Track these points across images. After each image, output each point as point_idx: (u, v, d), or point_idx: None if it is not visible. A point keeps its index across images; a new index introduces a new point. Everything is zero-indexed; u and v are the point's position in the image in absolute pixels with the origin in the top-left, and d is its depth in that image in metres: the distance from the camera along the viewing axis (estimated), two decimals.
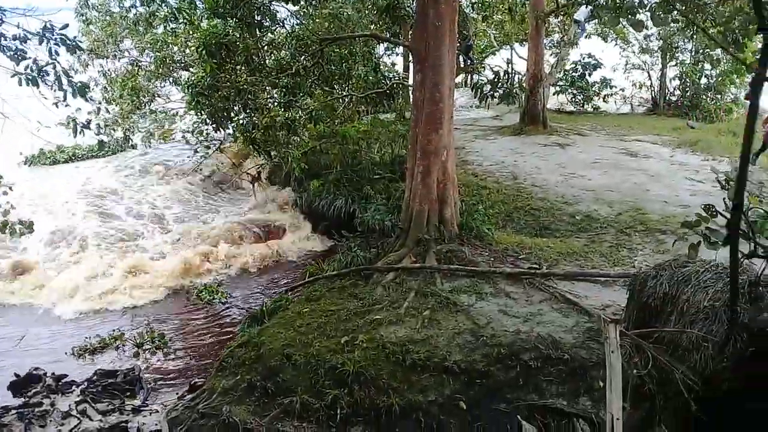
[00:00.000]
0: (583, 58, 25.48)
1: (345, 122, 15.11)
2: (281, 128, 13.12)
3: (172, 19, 15.28)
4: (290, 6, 13.33)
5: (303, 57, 13.06)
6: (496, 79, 13.80)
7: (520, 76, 20.85)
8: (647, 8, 6.23)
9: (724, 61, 22.60)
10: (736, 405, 5.66)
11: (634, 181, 14.04)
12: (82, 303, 12.05)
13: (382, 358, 7.02)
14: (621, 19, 6.43)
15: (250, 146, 15.03)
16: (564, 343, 7.12)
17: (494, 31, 24.80)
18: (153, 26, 17.84)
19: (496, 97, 13.74)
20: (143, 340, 10.26)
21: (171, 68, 19.44)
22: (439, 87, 10.19)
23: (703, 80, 24.49)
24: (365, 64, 14.67)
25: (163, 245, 15.07)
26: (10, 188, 9.10)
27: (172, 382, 9.12)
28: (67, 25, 8.34)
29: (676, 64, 25.36)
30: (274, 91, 13.84)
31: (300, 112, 13.10)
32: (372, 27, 15.82)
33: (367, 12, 15.40)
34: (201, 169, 19.63)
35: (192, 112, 15.09)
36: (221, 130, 14.81)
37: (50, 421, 7.93)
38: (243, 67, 13.11)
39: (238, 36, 12.53)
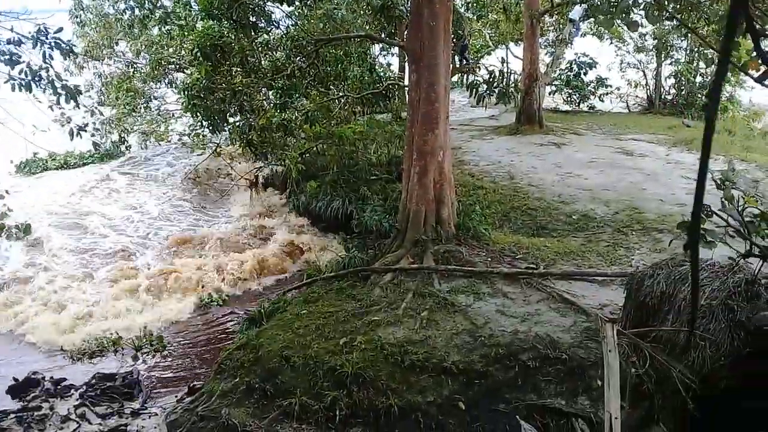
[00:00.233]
0: (579, 57, 25.50)
1: (341, 123, 15.10)
2: (277, 130, 13.15)
3: (167, 21, 15.29)
4: (285, 7, 13.31)
5: (298, 58, 13.08)
6: (491, 79, 13.84)
7: (516, 76, 21.00)
8: (642, 7, 6.25)
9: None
10: (734, 403, 5.69)
11: (630, 180, 14.07)
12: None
13: (381, 359, 7.03)
14: (615, 20, 6.45)
15: (247, 148, 15.05)
16: (562, 343, 7.13)
17: (489, 31, 24.86)
18: (148, 28, 17.83)
19: (492, 97, 13.79)
20: (142, 344, 10.23)
21: (166, 70, 19.44)
22: (435, 87, 10.20)
23: (698, 79, 24.54)
24: (360, 65, 14.70)
25: (156, 260, 14.04)
26: (7, 191, 9.08)
27: (171, 385, 9.10)
28: (61, 29, 8.36)
29: (671, 63, 25.41)
30: (270, 92, 13.87)
31: (296, 114, 13.12)
32: (367, 27, 15.83)
33: (361, 12, 15.41)
34: (197, 173, 19.55)
35: (188, 114, 15.10)
36: (217, 132, 14.78)
37: (49, 425, 7.92)
38: (238, 69, 13.12)
39: (233, 37, 12.54)
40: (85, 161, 21.41)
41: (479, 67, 21.76)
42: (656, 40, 24.76)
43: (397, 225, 10.67)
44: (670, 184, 13.57)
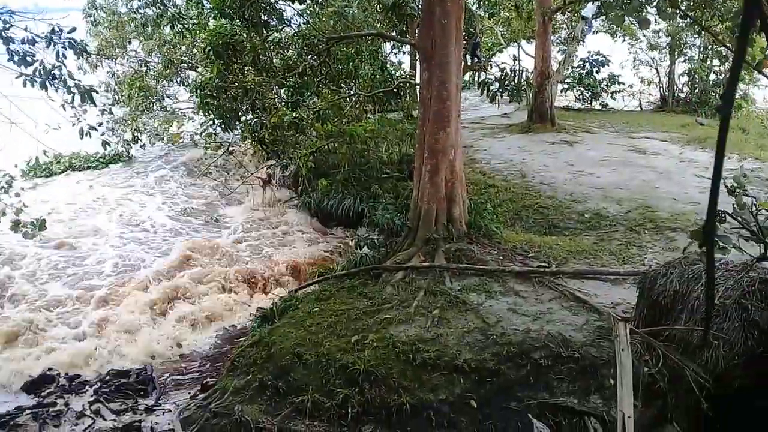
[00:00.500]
0: (591, 55, 25.40)
1: (352, 121, 15.13)
2: (289, 128, 13.17)
3: (179, 20, 15.38)
4: (296, 5, 13.35)
5: (310, 56, 13.10)
6: (503, 77, 13.82)
7: (528, 74, 20.90)
8: (654, 4, 6.21)
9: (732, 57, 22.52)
10: (747, 403, 5.66)
11: (643, 178, 13.99)
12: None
13: (393, 357, 7.04)
14: (627, 17, 6.41)
15: (259, 146, 15.10)
16: (574, 342, 7.11)
17: (501, 29, 24.75)
18: (160, 27, 17.93)
19: (503, 95, 13.76)
20: None
21: (178, 69, 19.55)
22: (446, 85, 10.19)
23: (712, 76, 24.38)
24: (372, 63, 14.72)
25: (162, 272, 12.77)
26: (22, 189, 9.18)
27: (184, 381, 9.17)
28: (74, 29, 8.44)
29: (684, 61, 25.25)
30: (282, 90, 13.89)
31: (307, 112, 13.15)
32: (378, 26, 15.82)
33: (373, 11, 15.41)
34: (209, 173, 19.59)
35: (200, 112, 15.17)
36: (230, 130, 14.85)
37: (64, 420, 8.01)
38: (250, 67, 13.18)
39: (244, 36, 12.59)
40: (89, 164, 20.65)
41: (491, 65, 21.69)
42: (669, 38, 24.60)
43: (409, 223, 10.67)
44: (683, 183, 13.49)
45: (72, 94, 8.38)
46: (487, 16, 23.55)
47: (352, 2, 14.07)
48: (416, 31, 14.97)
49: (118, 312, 10.92)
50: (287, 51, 13.77)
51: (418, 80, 13.49)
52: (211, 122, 14.25)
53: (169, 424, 7.29)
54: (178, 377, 9.35)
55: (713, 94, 24.19)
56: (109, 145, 11.35)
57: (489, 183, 13.93)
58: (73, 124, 9.27)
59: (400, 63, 22.09)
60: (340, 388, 6.66)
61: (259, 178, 18.10)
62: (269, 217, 16.25)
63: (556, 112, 20.60)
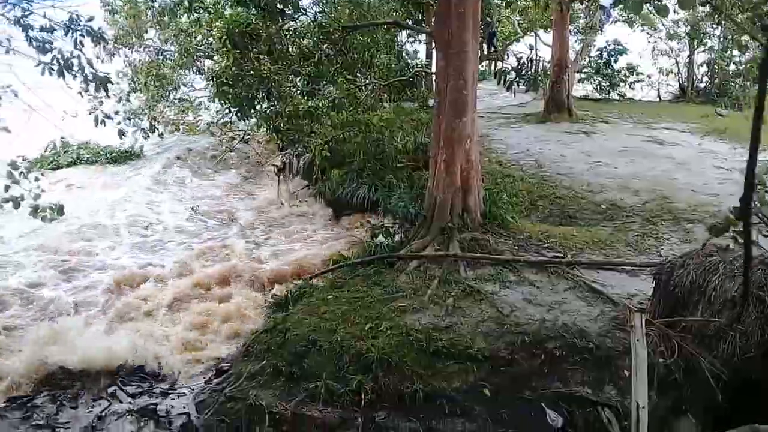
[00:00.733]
0: (609, 45, 25.13)
1: (368, 111, 15.08)
2: (304, 117, 13.17)
3: (195, 8, 15.40)
4: None
5: (325, 45, 13.09)
6: (520, 66, 13.73)
7: (545, 63, 20.75)
8: None
9: (753, 47, 22.14)
10: (763, 394, 5.60)
11: (661, 169, 13.86)
12: None
13: (406, 345, 7.06)
14: (645, 5, 6.31)
15: (274, 135, 15.11)
16: (589, 332, 7.09)
17: (518, 18, 24.54)
18: (177, 16, 17.96)
19: (520, 85, 13.67)
20: None
21: (194, 57, 19.58)
22: (463, 74, 10.12)
23: (732, 67, 24.04)
24: (388, 52, 14.70)
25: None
26: (42, 174, 9.28)
27: (199, 367, 9.22)
28: (92, 18, 8.50)
29: (704, 51, 24.92)
30: (297, 79, 13.88)
31: (323, 101, 13.14)
32: (394, 14, 15.77)
33: None
34: (225, 161, 19.64)
35: (216, 101, 15.20)
36: (245, 119, 14.88)
37: (81, 403, 8.10)
38: (266, 56, 13.17)
39: (260, 24, 12.57)
40: (97, 157, 20.19)
41: (508, 55, 21.55)
42: (689, 27, 24.25)
43: (423, 212, 10.65)
44: (702, 174, 13.35)
45: (89, 83, 8.45)
46: (503, 4, 23.36)
47: None
48: (432, 20, 14.92)
49: (132, 304, 10.62)
50: (303, 39, 13.76)
51: (434, 69, 13.44)
52: (227, 111, 14.27)
53: (184, 407, 7.34)
54: (193, 363, 9.39)
55: (733, 84, 23.84)
56: (125, 134, 11.35)
57: (505, 173, 13.86)
58: (90, 112, 9.35)
59: (416, 52, 22.05)
60: (354, 374, 6.68)
61: (274, 166, 18.15)
62: (284, 209, 16.23)
63: (573, 102, 20.43)
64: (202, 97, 20.53)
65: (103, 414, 7.61)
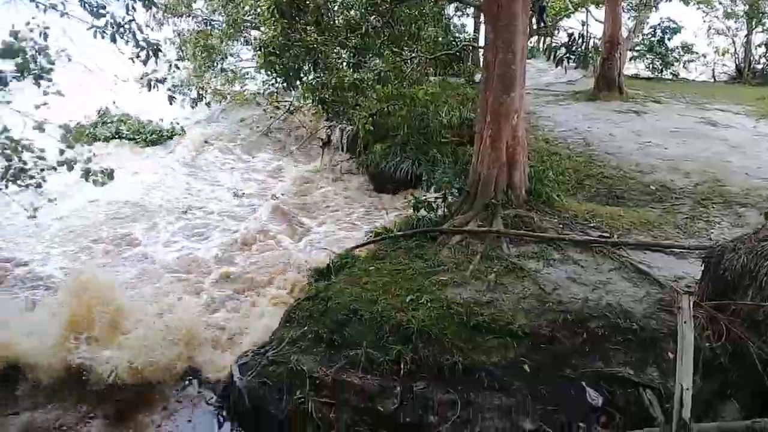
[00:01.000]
0: (663, 22, 24.28)
1: (413, 84, 14.96)
2: (349, 89, 13.15)
3: None
4: None
5: (373, 17, 12.99)
6: (570, 42, 13.37)
7: (596, 40, 20.20)
8: None
9: None
10: None
11: (713, 150, 13.43)
12: None
13: (447, 318, 7.07)
14: None
15: (319, 107, 15.16)
16: (634, 313, 6.99)
17: None
18: None
19: (570, 61, 13.33)
20: None
21: (242, 27, 19.68)
22: (512, 47, 9.92)
23: None
24: (435, 25, 14.50)
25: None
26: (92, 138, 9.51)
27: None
28: None
29: (762, 31, 23.89)
30: (344, 51, 13.85)
31: (368, 73, 13.09)
32: None
33: None
34: (271, 131, 19.73)
35: (262, 72, 15.30)
36: (292, 89, 14.95)
37: None
38: (313, 27, 13.15)
39: None
40: (136, 137, 19.38)
41: (558, 30, 21.04)
42: (747, 6, 23.25)
43: (467, 188, 10.58)
44: (757, 157, 12.90)
45: (140, 48, 8.60)
46: None
47: None
48: None
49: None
50: (350, 11, 13.69)
51: (481, 43, 13.22)
52: (273, 81, 14.33)
53: (227, 369, 7.53)
54: None
55: None
56: (175, 99, 11.50)
57: (552, 150, 13.63)
58: (142, 77, 9.51)
59: (463, 26, 21.72)
60: (394, 344, 6.73)
61: (319, 138, 18.25)
62: (328, 182, 16.29)
63: (624, 80, 19.88)
64: (248, 67, 20.68)
65: None
